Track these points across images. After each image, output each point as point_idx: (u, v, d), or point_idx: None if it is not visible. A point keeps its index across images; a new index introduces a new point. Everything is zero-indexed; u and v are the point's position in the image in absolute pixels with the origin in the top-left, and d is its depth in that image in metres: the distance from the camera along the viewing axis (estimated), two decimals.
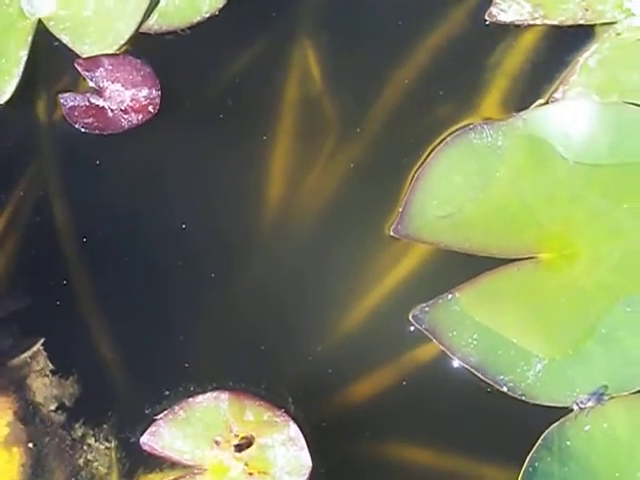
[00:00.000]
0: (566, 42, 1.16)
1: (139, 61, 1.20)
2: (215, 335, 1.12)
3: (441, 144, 1.12)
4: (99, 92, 1.20)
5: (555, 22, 1.15)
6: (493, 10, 1.16)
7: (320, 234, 1.15)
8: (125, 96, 1.20)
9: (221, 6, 1.19)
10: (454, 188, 1.11)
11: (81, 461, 1.11)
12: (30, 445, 1.11)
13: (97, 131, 1.19)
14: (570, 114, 1.11)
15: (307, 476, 1.04)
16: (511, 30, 1.17)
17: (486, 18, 1.16)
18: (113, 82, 1.20)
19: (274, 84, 1.20)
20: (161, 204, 1.17)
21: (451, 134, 1.13)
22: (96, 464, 1.11)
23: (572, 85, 1.13)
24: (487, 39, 1.18)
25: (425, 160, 1.13)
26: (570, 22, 1.15)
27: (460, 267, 1.10)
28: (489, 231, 1.10)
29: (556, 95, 1.13)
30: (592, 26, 1.15)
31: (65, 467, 1.11)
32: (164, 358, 1.12)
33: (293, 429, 1.05)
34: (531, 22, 1.16)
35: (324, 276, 1.13)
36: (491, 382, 1.04)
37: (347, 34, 1.22)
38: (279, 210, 1.16)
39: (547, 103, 1.13)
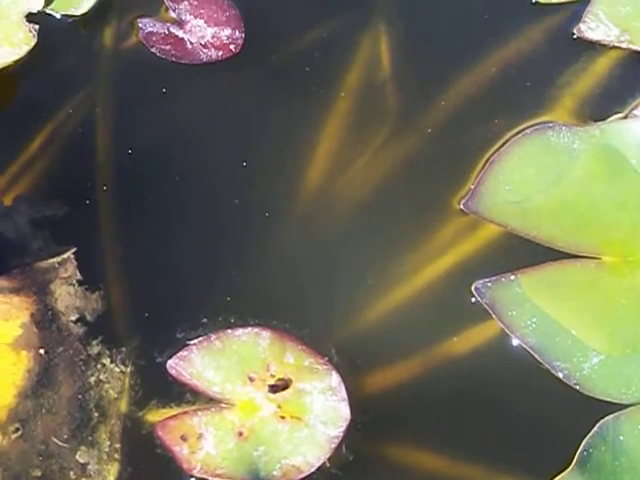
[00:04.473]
0: None
1: (226, 2, 1.19)
2: (265, 274, 1.06)
3: (518, 135, 1.13)
4: (180, 24, 1.18)
5: (639, 48, 1.19)
6: (582, 26, 1.19)
7: (384, 205, 1.12)
8: (206, 32, 1.17)
9: None
10: (527, 178, 1.10)
11: (92, 380, 1.02)
12: (41, 351, 1.02)
13: (173, 58, 1.15)
14: None
15: (344, 428, 0.97)
16: (595, 49, 1.20)
17: (574, 32, 1.19)
18: (196, 17, 1.18)
19: (341, 61, 1.19)
20: (223, 139, 1.13)
21: (528, 127, 1.13)
22: (107, 386, 1.02)
23: None
24: (570, 53, 1.20)
25: (500, 147, 1.12)
26: None
27: (523, 253, 1.08)
28: (556, 224, 1.09)
29: (635, 112, 1.15)
30: None
31: (74, 382, 1.02)
32: (206, 288, 1.05)
33: (335, 379, 0.98)
34: (616, 44, 1.19)
35: (385, 243, 1.09)
36: (547, 366, 1.01)
37: (423, 28, 1.22)
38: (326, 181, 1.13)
39: (625, 118, 1.15)
